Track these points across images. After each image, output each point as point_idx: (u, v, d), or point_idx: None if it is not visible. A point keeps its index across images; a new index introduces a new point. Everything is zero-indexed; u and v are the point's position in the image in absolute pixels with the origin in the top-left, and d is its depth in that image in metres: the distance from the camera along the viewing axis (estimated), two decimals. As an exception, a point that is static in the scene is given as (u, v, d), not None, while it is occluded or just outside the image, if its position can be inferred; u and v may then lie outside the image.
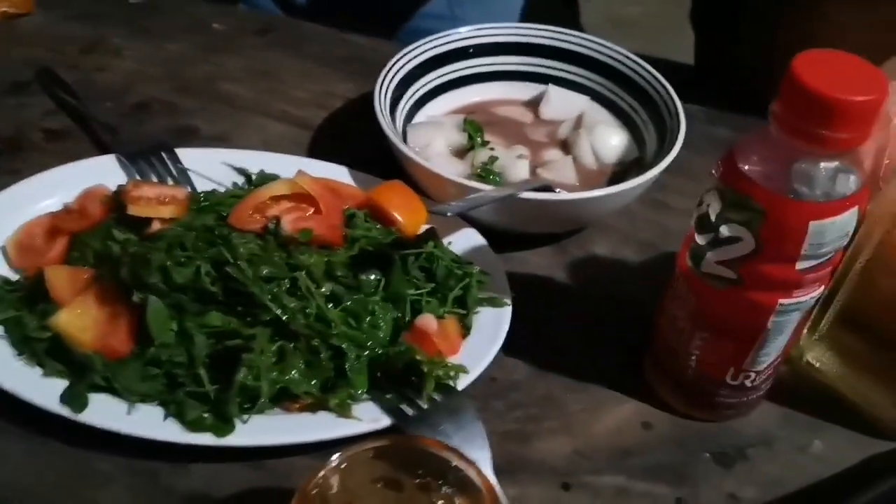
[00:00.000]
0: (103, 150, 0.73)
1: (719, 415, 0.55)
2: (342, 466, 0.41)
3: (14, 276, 0.58)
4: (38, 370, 0.52)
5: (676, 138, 0.65)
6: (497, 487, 0.42)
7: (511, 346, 0.57)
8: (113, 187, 0.62)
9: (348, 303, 0.55)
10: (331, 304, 0.54)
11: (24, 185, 0.63)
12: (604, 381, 0.58)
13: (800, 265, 0.45)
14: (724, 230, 0.46)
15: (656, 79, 0.71)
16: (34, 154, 0.74)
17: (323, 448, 0.51)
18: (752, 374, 0.52)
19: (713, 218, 0.46)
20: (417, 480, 0.42)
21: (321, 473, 0.40)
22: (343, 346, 0.53)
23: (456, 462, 0.41)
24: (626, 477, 0.53)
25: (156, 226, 0.57)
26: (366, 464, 0.42)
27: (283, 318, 0.51)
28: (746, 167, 0.45)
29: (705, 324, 0.50)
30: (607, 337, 0.62)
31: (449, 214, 0.55)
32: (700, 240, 0.48)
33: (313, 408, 0.52)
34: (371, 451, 0.42)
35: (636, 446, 0.55)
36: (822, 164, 0.43)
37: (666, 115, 0.69)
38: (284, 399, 0.52)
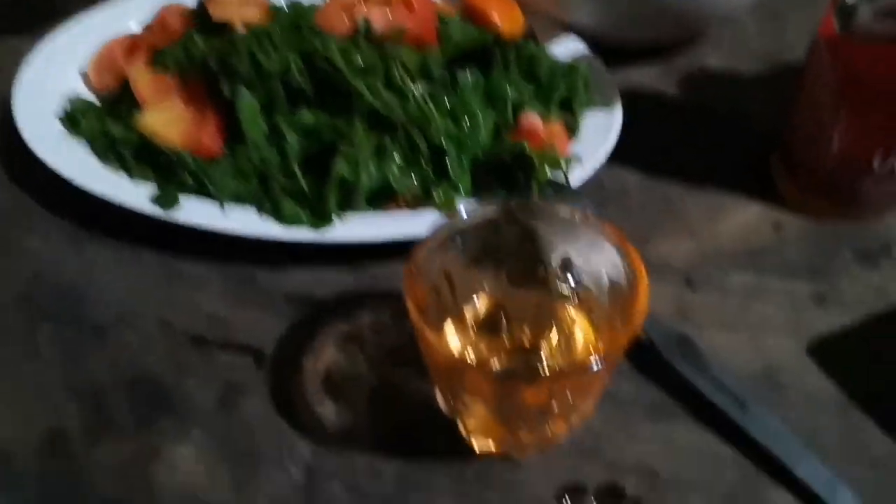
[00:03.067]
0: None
1: (859, 211, 0.50)
2: (453, 236, 0.38)
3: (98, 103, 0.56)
4: (125, 177, 0.50)
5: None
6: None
7: (619, 156, 0.52)
8: (190, 5, 0.59)
9: (446, 103, 0.51)
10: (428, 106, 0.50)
11: (101, 9, 0.60)
12: (725, 185, 0.53)
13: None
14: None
15: None
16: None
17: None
18: (903, 157, 0.46)
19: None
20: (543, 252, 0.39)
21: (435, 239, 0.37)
22: (443, 142, 0.49)
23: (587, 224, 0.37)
24: (757, 275, 0.48)
25: (240, 30, 0.53)
26: (482, 231, 0.38)
27: (380, 108, 0.47)
28: None
29: (855, 94, 0.45)
30: (727, 144, 0.56)
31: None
32: (851, -7, 0.42)
33: (413, 209, 0.49)
34: (492, 215, 0.38)
35: (767, 247, 0.50)
36: None
37: None
38: (382, 201, 0.49)
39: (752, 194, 0.53)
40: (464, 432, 0.39)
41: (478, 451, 0.39)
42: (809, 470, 0.38)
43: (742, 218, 0.51)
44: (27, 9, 0.69)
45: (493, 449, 0.39)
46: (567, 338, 0.39)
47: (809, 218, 0.51)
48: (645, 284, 0.33)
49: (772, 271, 0.48)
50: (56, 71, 0.56)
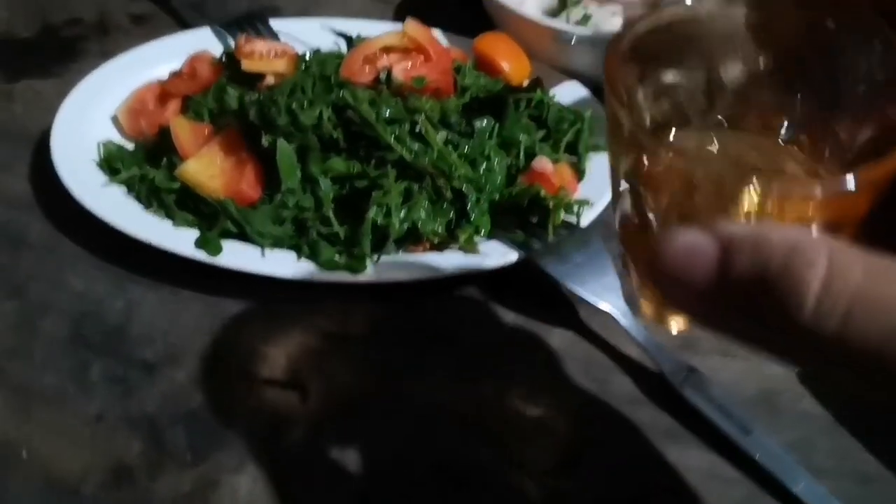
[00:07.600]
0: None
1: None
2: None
3: (129, 146, 0.59)
4: (167, 222, 0.53)
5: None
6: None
7: (622, 194, 0.57)
8: (216, 54, 0.62)
9: (464, 149, 0.55)
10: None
11: (128, 56, 0.63)
12: (719, 222, 0.58)
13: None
14: None
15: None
16: (121, 37, 0.75)
17: (449, 287, 0.52)
18: None
19: None
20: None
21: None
22: (464, 188, 0.53)
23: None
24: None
25: (269, 80, 0.57)
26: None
27: (409, 158, 0.51)
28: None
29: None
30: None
31: (573, 43, 0.55)
32: None
33: (438, 249, 0.53)
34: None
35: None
36: None
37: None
38: (408, 242, 0.53)
39: (743, 230, 0.57)
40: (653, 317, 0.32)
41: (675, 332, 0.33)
42: (806, 488, 0.42)
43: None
44: (46, 53, 0.73)
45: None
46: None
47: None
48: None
49: (765, 303, 0.53)
50: (89, 117, 0.59)
